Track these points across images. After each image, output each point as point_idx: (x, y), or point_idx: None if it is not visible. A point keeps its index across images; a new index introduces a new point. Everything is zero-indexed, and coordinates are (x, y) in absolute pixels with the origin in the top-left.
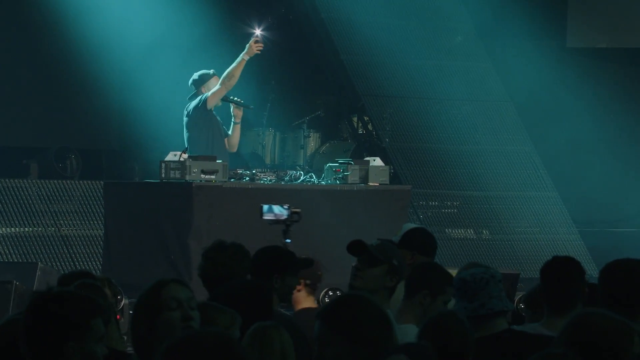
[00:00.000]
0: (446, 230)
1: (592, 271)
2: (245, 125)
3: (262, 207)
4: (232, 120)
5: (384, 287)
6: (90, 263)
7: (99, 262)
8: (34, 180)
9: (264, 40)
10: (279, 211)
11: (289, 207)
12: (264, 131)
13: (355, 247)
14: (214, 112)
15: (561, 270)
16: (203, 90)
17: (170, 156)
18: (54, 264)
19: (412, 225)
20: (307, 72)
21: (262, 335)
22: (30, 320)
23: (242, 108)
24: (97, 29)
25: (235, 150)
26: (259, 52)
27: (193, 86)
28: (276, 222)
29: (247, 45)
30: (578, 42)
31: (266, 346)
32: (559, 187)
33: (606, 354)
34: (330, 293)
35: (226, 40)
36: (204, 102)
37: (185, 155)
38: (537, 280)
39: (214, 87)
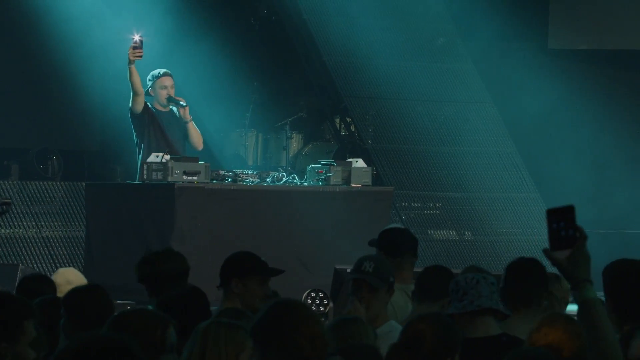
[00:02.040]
0: (428, 231)
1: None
2: (228, 126)
3: None
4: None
5: (385, 303)
6: (71, 264)
7: (81, 264)
8: (14, 182)
9: (146, 44)
10: None
11: None
12: (246, 132)
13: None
14: (164, 113)
15: (523, 269)
16: (150, 91)
17: (152, 157)
18: (35, 265)
19: (392, 226)
20: (290, 74)
21: (203, 332)
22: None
23: (186, 107)
24: (78, 30)
25: (200, 147)
26: (138, 58)
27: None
28: None
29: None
30: (559, 44)
31: (210, 343)
32: (540, 187)
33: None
34: (313, 294)
35: (207, 41)
36: (130, 110)
37: (167, 157)
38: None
39: (158, 90)
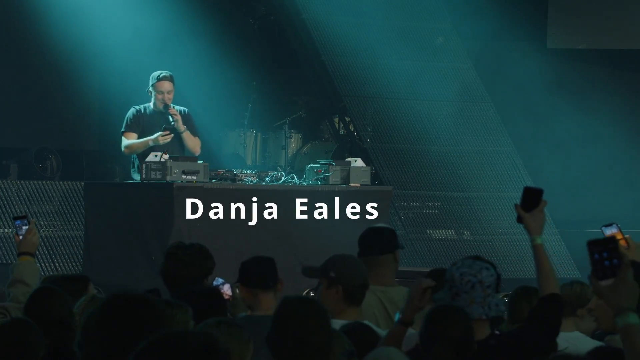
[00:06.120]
0: (427, 231)
1: (573, 273)
2: (227, 125)
3: None
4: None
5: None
6: (70, 264)
7: (80, 263)
8: (13, 181)
9: (173, 131)
10: None
11: None
12: (245, 132)
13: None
14: (163, 113)
15: None
16: (149, 92)
17: (151, 157)
18: None
19: (376, 225)
20: (289, 73)
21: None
22: (105, 321)
23: (175, 122)
24: (76, 29)
25: (197, 153)
26: (164, 142)
27: None
28: None
29: (156, 135)
30: (558, 44)
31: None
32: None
33: None
34: (312, 294)
35: (206, 40)
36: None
37: (166, 156)
38: (519, 282)
39: (155, 93)
